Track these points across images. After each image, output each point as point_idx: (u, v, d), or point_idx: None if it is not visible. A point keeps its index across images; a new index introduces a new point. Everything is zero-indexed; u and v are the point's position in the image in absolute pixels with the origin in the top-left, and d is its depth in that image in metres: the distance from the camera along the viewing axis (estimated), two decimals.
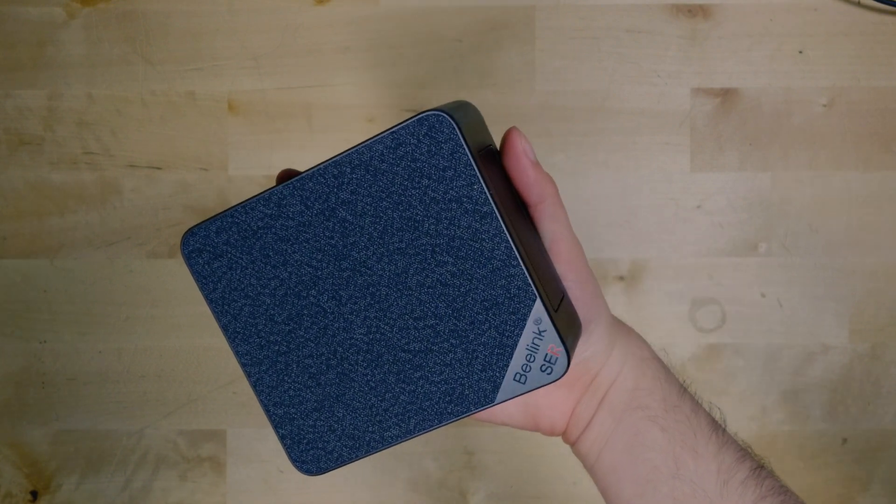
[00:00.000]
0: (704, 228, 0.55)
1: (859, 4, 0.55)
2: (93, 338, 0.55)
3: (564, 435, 0.38)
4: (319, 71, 0.55)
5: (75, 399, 0.55)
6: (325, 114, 0.55)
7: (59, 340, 0.55)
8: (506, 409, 0.37)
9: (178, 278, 0.55)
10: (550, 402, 0.37)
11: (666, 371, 0.37)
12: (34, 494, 0.55)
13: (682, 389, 0.37)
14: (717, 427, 0.36)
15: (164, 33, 0.56)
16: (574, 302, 0.34)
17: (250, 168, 0.55)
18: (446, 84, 0.55)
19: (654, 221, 0.55)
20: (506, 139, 0.33)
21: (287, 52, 0.55)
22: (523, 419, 0.37)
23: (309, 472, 0.35)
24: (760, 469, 0.35)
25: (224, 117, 0.55)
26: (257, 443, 0.55)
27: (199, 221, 0.34)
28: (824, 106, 0.55)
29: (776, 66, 0.55)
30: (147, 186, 0.55)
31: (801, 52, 0.55)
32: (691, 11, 0.55)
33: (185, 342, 0.55)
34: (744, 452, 0.36)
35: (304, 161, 0.55)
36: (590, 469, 0.37)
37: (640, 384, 0.36)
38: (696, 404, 0.36)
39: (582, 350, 0.35)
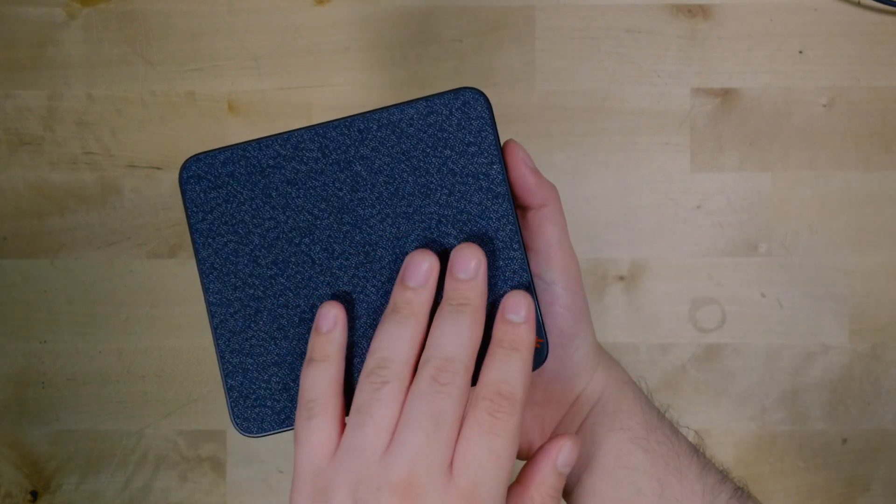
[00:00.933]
0: (704, 228, 0.55)
1: (859, 4, 0.55)
2: (93, 338, 0.55)
3: None
4: (319, 71, 0.55)
5: (75, 399, 0.55)
6: (325, 114, 0.55)
7: (59, 341, 0.55)
8: None
9: (179, 278, 0.55)
10: (534, 419, 0.36)
11: (644, 396, 0.37)
12: (34, 494, 0.55)
13: (661, 414, 0.36)
14: (697, 450, 0.36)
15: (164, 33, 0.56)
16: (563, 311, 0.33)
17: None
18: (446, 84, 0.55)
19: (654, 221, 0.55)
20: (505, 150, 0.33)
21: (287, 52, 0.55)
22: None
23: (248, 430, 0.32)
24: (742, 491, 0.35)
25: (224, 117, 0.55)
26: (257, 443, 0.55)
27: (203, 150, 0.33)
28: (824, 106, 0.55)
29: (776, 66, 0.55)
30: (147, 186, 0.55)
31: (801, 52, 0.55)
32: (691, 11, 0.55)
33: (185, 342, 0.55)
34: (724, 475, 0.36)
35: None
36: (568, 495, 0.36)
37: (621, 406, 0.35)
38: (674, 428, 0.36)
39: (567, 367, 0.34)
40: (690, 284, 0.55)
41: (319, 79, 0.55)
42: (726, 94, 0.55)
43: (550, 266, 0.33)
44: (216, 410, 0.55)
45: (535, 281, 0.33)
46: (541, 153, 0.55)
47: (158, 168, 0.55)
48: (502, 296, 0.31)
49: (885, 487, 0.55)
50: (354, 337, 0.32)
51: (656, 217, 0.55)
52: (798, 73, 0.55)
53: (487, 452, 0.28)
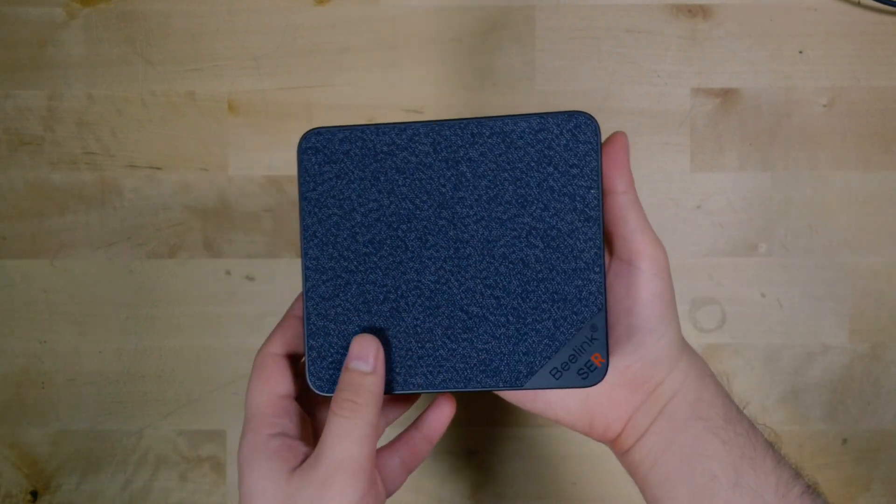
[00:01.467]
0: (704, 228, 0.55)
1: (859, 4, 0.55)
2: (93, 338, 0.55)
3: (617, 442, 0.38)
4: (319, 71, 0.55)
5: (75, 399, 0.55)
6: (325, 114, 0.55)
7: (59, 341, 0.55)
8: (565, 403, 0.37)
9: (179, 278, 0.55)
10: (612, 401, 0.37)
11: (724, 390, 0.37)
12: (34, 495, 0.55)
13: (739, 409, 0.37)
14: (772, 446, 0.36)
15: (164, 33, 0.56)
16: (650, 298, 0.35)
17: (250, 168, 0.55)
18: (446, 84, 0.55)
19: (654, 221, 0.55)
20: (614, 140, 0.35)
21: (287, 52, 0.55)
22: (579, 415, 0.37)
23: (320, 389, 0.35)
24: (813, 489, 0.36)
25: (224, 117, 0.55)
26: None
27: (322, 125, 0.35)
28: (824, 106, 0.55)
29: (776, 66, 0.55)
30: (147, 186, 0.55)
31: (801, 52, 0.55)
32: (691, 11, 0.55)
33: (185, 342, 0.55)
34: (797, 472, 0.36)
35: None
36: (642, 478, 0.37)
37: (701, 396, 0.36)
38: (751, 424, 0.37)
39: (652, 352, 0.35)
40: (690, 284, 0.55)
41: (319, 79, 0.55)
42: (726, 95, 0.55)
43: (639, 252, 0.35)
44: (216, 410, 0.55)
45: (626, 266, 0.35)
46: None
47: (158, 168, 0.55)
48: (570, 315, 0.33)
49: (885, 487, 0.55)
50: (431, 325, 0.34)
51: (656, 217, 0.55)
52: (798, 74, 0.55)
53: None
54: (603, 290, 0.34)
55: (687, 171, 0.55)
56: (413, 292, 0.34)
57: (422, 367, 0.34)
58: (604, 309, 0.34)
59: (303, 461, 0.34)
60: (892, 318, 0.55)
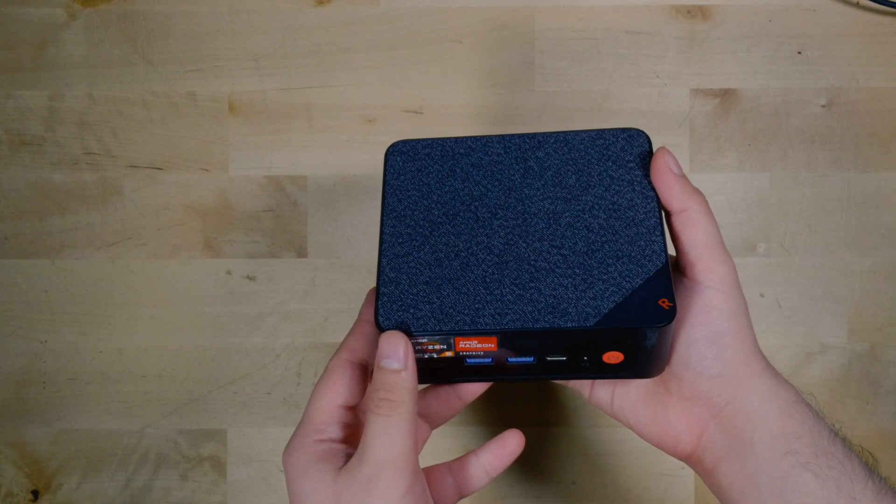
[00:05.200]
0: None
1: (858, 5, 0.55)
2: (94, 338, 0.55)
3: (694, 459, 0.38)
4: (320, 71, 0.55)
5: (76, 399, 0.55)
6: (325, 114, 0.55)
7: (61, 340, 0.55)
8: (634, 410, 0.38)
9: (179, 278, 0.55)
10: (678, 412, 0.37)
11: (815, 415, 0.36)
12: (35, 494, 0.56)
13: (832, 434, 0.36)
14: (872, 473, 0.35)
15: (164, 34, 0.56)
16: (711, 310, 0.36)
17: (251, 168, 0.55)
18: (447, 85, 0.55)
19: None
20: (655, 156, 0.37)
21: (287, 52, 0.56)
22: (647, 423, 0.38)
23: (388, 326, 0.35)
24: None
25: (225, 118, 0.56)
26: (258, 442, 0.55)
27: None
28: (823, 107, 0.55)
29: (775, 66, 0.55)
30: (148, 187, 0.55)
31: (799, 52, 0.55)
32: (690, 12, 0.55)
33: (185, 342, 0.55)
34: None
35: (305, 162, 0.55)
36: None
37: (787, 428, 0.35)
38: (847, 449, 0.36)
39: (714, 364, 0.36)
40: None
41: (320, 79, 0.55)
42: (725, 95, 0.55)
43: (696, 266, 0.36)
44: (217, 410, 0.55)
45: (684, 282, 0.37)
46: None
47: (159, 168, 0.56)
48: (635, 267, 0.35)
49: None
50: (500, 276, 0.36)
51: None
52: (797, 74, 0.55)
53: None
54: (664, 249, 0.36)
55: (686, 171, 0.55)
56: (483, 251, 0.36)
57: (490, 308, 0.35)
58: (667, 262, 0.35)
59: (346, 462, 0.35)
60: (891, 317, 0.55)
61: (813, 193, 0.55)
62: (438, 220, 0.37)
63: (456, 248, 0.37)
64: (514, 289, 0.35)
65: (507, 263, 0.36)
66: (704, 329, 0.35)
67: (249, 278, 0.55)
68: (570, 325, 0.34)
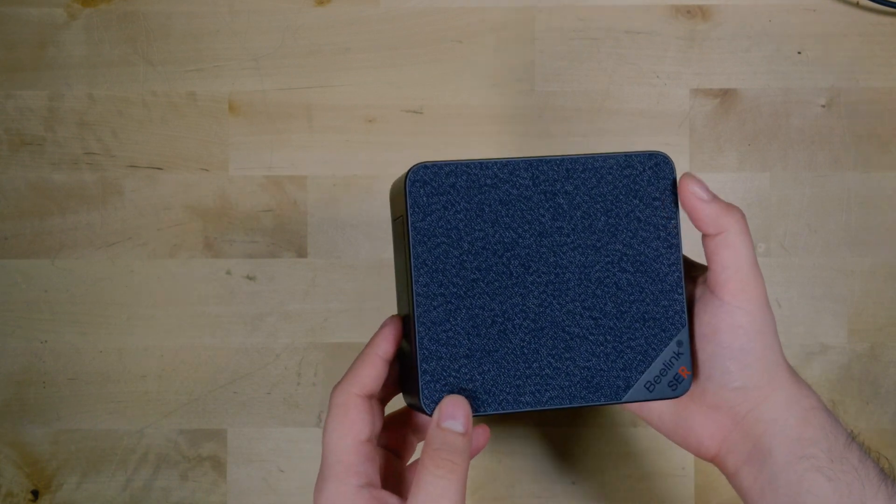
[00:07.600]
0: None
1: (858, 5, 0.55)
2: (94, 338, 0.55)
3: (721, 463, 0.39)
4: (320, 71, 0.55)
5: (76, 399, 0.55)
6: (325, 114, 0.55)
7: (60, 340, 0.55)
8: (661, 415, 0.40)
9: (179, 278, 0.55)
10: (702, 419, 0.38)
11: (833, 420, 0.37)
12: (35, 494, 0.56)
13: (849, 439, 0.37)
14: (886, 478, 0.36)
15: (164, 34, 0.56)
16: (736, 328, 0.37)
17: (251, 168, 0.55)
18: (447, 85, 0.55)
19: None
20: (680, 182, 0.37)
21: (287, 52, 0.56)
22: (672, 427, 0.40)
23: (432, 410, 0.36)
24: None
25: (225, 118, 0.56)
26: (258, 442, 0.55)
27: (429, 159, 0.37)
28: (823, 107, 0.55)
29: (775, 66, 0.55)
30: (148, 187, 0.55)
31: (799, 52, 0.55)
32: (690, 12, 0.55)
33: (185, 342, 0.55)
34: None
35: (305, 162, 0.55)
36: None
37: (804, 434, 0.36)
38: (863, 454, 0.36)
39: (736, 378, 0.37)
40: None
41: (320, 79, 0.55)
42: (725, 95, 0.55)
43: (726, 287, 0.37)
44: (217, 410, 0.55)
45: (713, 300, 0.37)
46: (540, 154, 0.55)
47: (159, 168, 0.56)
48: (659, 332, 0.37)
49: None
50: (537, 346, 0.37)
51: None
52: (797, 74, 0.55)
53: None
54: (685, 309, 0.37)
55: (686, 171, 0.55)
56: (519, 315, 0.36)
57: (530, 385, 0.36)
58: (687, 325, 0.37)
59: None
60: (891, 317, 0.55)
61: (813, 193, 0.55)
62: (472, 275, 0.36)
63: (492, 312, 0.36)
64: (551, 360, 0.37)
65: (542, 330, 0.36)
66: (730, 346, 0.37)
67: (249, 278, 0.55)
68: (602, 400, 0.37)
